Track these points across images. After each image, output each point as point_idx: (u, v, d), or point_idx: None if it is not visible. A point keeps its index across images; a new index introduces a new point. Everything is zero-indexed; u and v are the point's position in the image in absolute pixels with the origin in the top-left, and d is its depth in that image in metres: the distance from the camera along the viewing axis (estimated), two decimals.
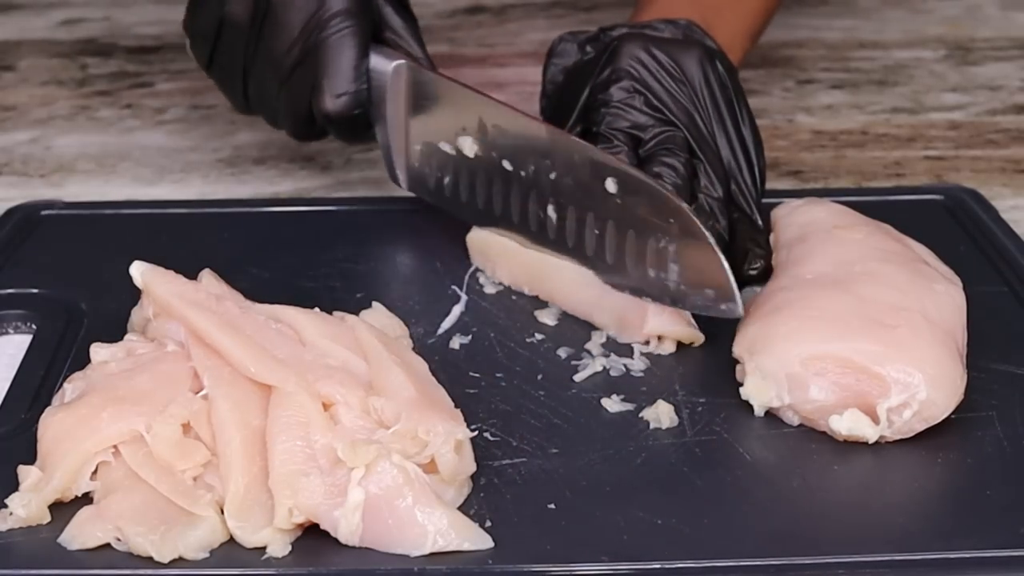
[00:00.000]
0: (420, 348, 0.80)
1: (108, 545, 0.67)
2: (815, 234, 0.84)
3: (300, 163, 1.08)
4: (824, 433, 0.75)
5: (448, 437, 0.69)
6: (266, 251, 0.93)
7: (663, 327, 0.82)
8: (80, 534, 0.68)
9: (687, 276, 0.79)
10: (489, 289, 0.88)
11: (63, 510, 0.69)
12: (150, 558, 0.66)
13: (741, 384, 0.77)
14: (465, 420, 0.72)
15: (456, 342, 0.83)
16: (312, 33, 0.88)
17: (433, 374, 0.77)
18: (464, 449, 0.70)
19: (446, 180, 0.89)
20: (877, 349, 0.74)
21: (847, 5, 1.37)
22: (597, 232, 0.82)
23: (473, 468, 0.71)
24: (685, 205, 0.79)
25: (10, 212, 0.98)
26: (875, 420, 0.73)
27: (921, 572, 0.66)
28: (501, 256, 0.88)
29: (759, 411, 0.76)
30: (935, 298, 0.78)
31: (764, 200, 0.89)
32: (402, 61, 0.89)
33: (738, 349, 0.77)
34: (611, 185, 0.81)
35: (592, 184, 0.82)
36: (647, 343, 0.82)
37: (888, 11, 1.36)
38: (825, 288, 0.78)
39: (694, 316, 0.82)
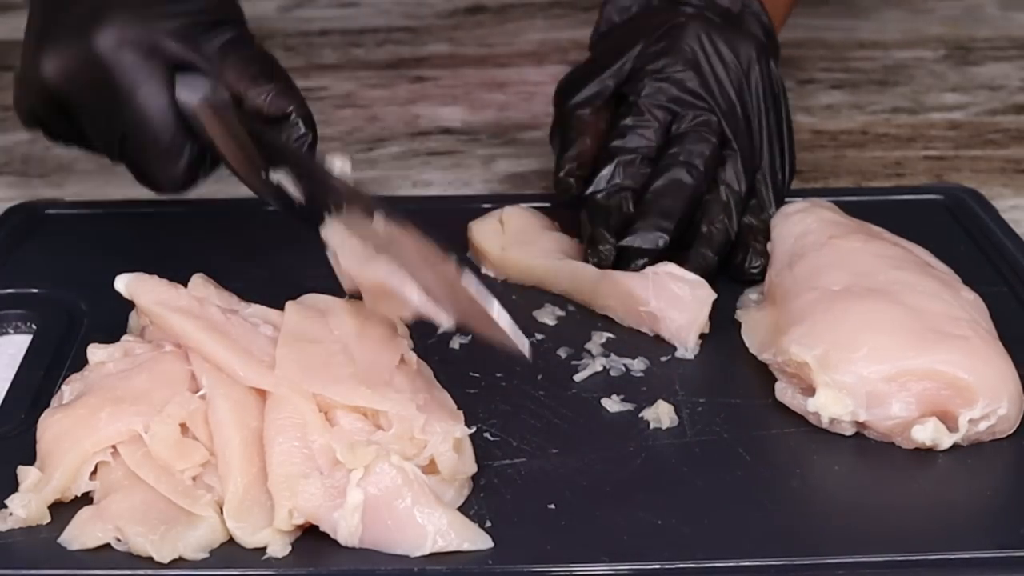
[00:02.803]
0: (420, 348, 0.80)
1: (108, 545, 0.67)
2: (812, 245, 0.84)
3: None
4: (823, 433, 0.75)
5: (446, 436, 0.69)
6: (266, 251, 0.93)
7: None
8: (80, 534, 0.68)
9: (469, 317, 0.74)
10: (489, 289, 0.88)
11: (63, 510, 0.69)
12: (150, 558, 0.66)
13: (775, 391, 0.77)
14: (465, 420, 0.72)
15: (456, 342, 0.83)
16: (115, 112, 0.79)
17: (433, 374, 0.77)
18: (464, 449, 0.70)
19: (296, 206, 0.80)
20: (963, 360, 0.74)
21: (847, 5, 1.37)
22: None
23: (474, 468, 0.71)
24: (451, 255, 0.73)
25: (10, 212, 0.98)
26: (951, 429, 0.73)
27: (921, 572, 0.66)
28: (499, 258, 0.89)
29: (825, 423, 0.75)
30: (973, 305, 0.78)
31: None
32: (202, 99, 0.79)
33: (806, 356, 0.76)
34: (379, 222, 0.75)
35: (366, 220, 0.75)
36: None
37: (888, 11, 1.36)
38: (866, 299, 0.77)
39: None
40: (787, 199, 0.92)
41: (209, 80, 0.79)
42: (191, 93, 0.79)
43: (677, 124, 0.87)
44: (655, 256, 0.85)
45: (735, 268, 0.87)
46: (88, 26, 0.78)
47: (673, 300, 0.82)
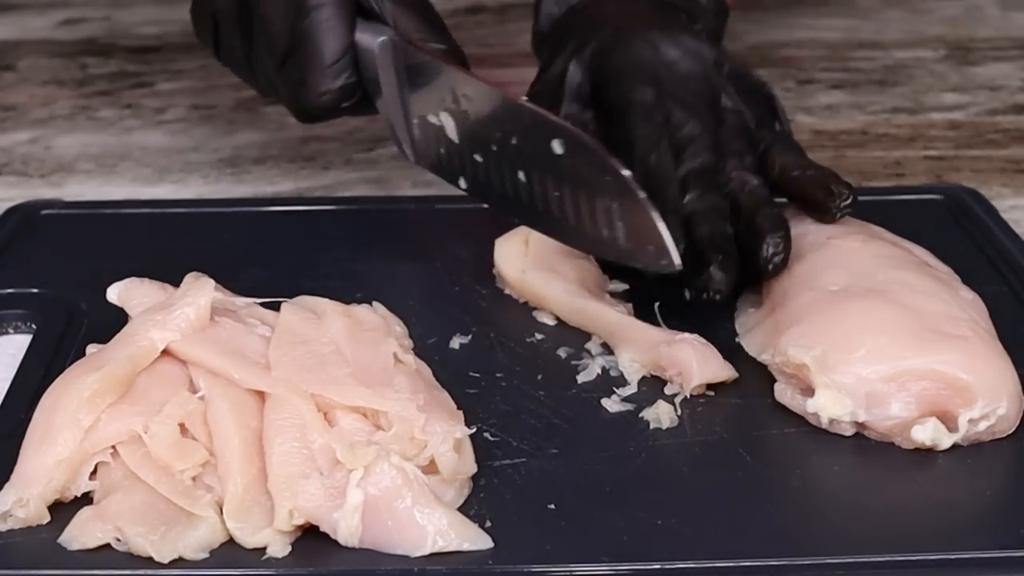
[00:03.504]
0: (420, 348, 0.80)
1: (108, 545, 0.67)
2: (810, 246, 0.84)
3: (300, 163, 1.08)
4: (823, 433, 0.75)
5: (446, 436, 0.69)
6: (266, 251, 0.93)
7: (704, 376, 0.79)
8: (80, 534, 0.68)
9: (631, 234, 0.79)
10: (489, 289, 0.88)
11: (63, 510, 0.69)
12: (150, 558, 0.66)
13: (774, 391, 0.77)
14: (465, 420, 0.72)
15: (456, 342, 0.83)
16: (296, 26, 0.87)
17: (433, 374, 0.77)
18: (464, 449, 0.70)
19: (441, 151, 0.89)
20: (962, 359, 0.74)
21: (847, 5, 1.37)
22: (557, 194, 0.82)
23: (474, 469, 0.71)
24: (617, 162, 0.78)
25: (10, 212, 0.98)
26: (951, 429, 0.73)
27: (921, 572, 0.66)
28: (518, 281, 0.88)
29: (824, 423, 0.75)
30: (972, 305, 0.78)
31: None
32: (385, 38, 0.88)
33: (804, 358, 0.75)
34: (557, 146, 0.81)
35: (542, 146, 0.82)
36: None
37: (888, 11, 1.36)
38: (864, 299, 0.77)
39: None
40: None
41: (387, 27, 0.88)
42: (370, 36, 0.88)
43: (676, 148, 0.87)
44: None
45: (759, 267, 0.85)
46: None
47: (692, 366, 0.79)
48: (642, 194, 0.78)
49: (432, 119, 0.88)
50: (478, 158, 0.86)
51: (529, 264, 0.87)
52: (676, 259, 0.78)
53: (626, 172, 0.78)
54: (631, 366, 0.80)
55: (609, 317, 0.83)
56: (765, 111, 0.91)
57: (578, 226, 0.82)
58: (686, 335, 0.80)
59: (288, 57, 0.88)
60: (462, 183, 0.88)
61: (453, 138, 0.87)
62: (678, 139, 0.86)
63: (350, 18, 0.88)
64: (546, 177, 0.82)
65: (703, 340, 0.80)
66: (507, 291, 0.88)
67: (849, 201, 0.85)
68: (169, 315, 0.74)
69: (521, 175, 0.84)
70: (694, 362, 0.78)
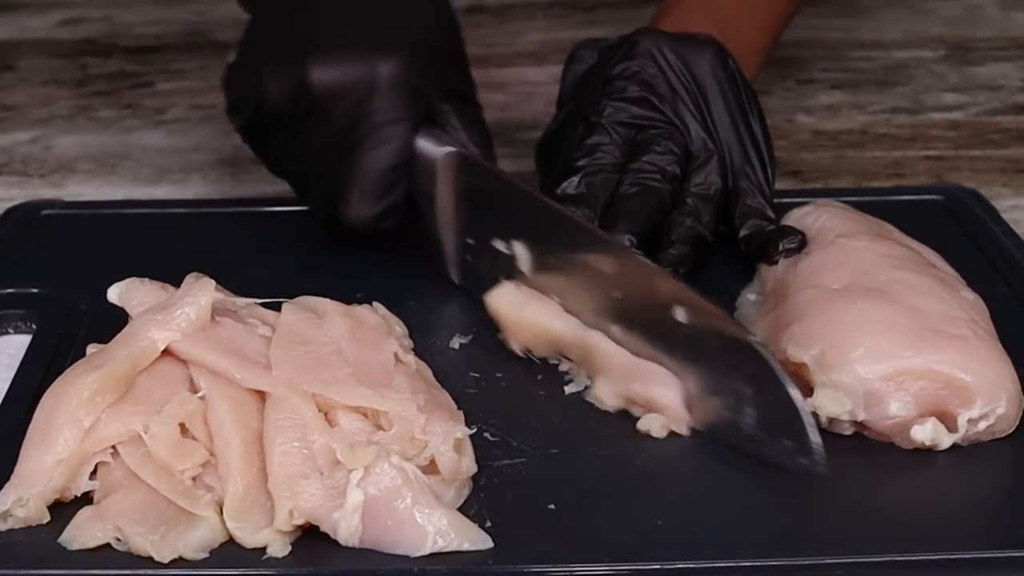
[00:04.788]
0: (420, 348, 0.80)
1: (108, 545, 0.67)
2: (819, 244, 0.84)
3: None
4: (823, 433, 0.74)
5: (447, 437, 0.69)
6: (266, 251, 0.93)
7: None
8: (80, 534, 0.68)
9: (764, 424, 0.72)
10: None
11: (63, 510, 0.69)
12: (150, 558, 0.66)
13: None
14: (465, 420, 0.72)
15: (456, 342, 0.83)
16: (352, 138, 0.82)
17: (433, 374, 0.77)
18: (464, 449, 0.70)
19: (501, 279, 0.82)
20: (960, 360, 0.74)
21: (847, 5, 1.37)
22: (667, 358, 0.75)
23: (474, 469, 0.71)
24: (761, 345, 0.71)
25: (10, 212, 0.98)
26: (950, 429, 0.73)
27: (921, 572, 0.66)
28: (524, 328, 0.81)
29: (823, 422, 0.74)
30: (973, 305, 0.78)
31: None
32: (451, 149, 0.82)
33: (803, 357, 0.75)
34: (680, 314, 0.74)
35: (659, 311, 0.74)
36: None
37: (888, 11, 1.36)
38: (864, 298, 0.77)
39: None
40: (786, 200, 0.92)
41: (451, 135, 0.83)
42: (432, 144, 0.82)
43: (640, 137, 0.87)
44: None
45: (771, 256, 0.85)
46: (374, 52, 0.82)
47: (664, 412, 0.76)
48: (791, 386, 0.70)
49: (498, 244, 0.82)
50: (554, 298, 0.80)
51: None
52: (820, 460, 0.69)
53: (768, 356, 0.70)
54: (607, 397, 0.77)
55: (614, 356, 0.77)
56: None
57: (689, 398, 0.75)
58: (655, 369, 0.75)
59: (331, 167, 0.83)
60: None
61: (524, 271, 0.81)
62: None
63: (413, 128, 0.83)
64: (656, 342, 0.75)
65: (670, 377, 0.75)
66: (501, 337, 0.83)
67: (795, 246, 0.84)
68: (170, 315, 0.74)
69: (616, 330, 0.77)
70: (665, 408, 0.75)
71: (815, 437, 0.69)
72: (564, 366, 0.80)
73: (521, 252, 0.81)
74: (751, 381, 0.71)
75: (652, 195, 0.85)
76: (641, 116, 0.88)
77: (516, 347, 0.81)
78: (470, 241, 0.84)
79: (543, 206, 0.80)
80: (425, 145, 0.83)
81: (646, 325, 0.75)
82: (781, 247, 0.84)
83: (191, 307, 0.74)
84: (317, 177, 0.84)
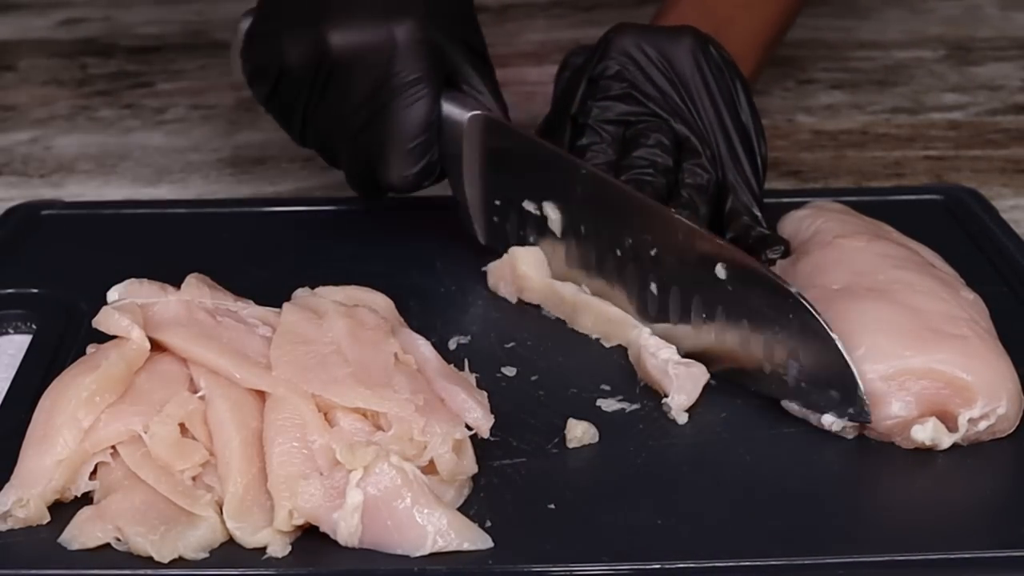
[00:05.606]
0: None
1: (108, 545, 0.67)
2: (817, 244, 0.84)
3: (300, 163, 1.08)
4: (822, 433, 0.75)
5: (446, 438, 0.69)
6: (266, 251, 0.93)
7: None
8: (80, 534, 0.68)
9: (810, 376, 0.74)
10: (489, 290, 0.88)
11: (63, 510, 0.69)
12: (150, 558, 0.66)
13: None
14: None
15: (455, 342, 0.83)
16: (379, 100, 0.83)
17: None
18: (464, 449, 0.70)
19: (531, 240, 0.85)
20: (960, 359, 0.74)
21: (847, 5, 1.37)
22: (704, 316, 0.77)
23: (474, 469, 0.71)
24: (805, 299, 0.73)
25: (10, 212, 0.98)
26: (951, 429, 0.73)
27: (921, 572, 0.66)
28: (529, 282, 0.85)
29: (834, 427, 0.74)
30: (973, 305, 0.78)
31: (766, 200, 0.89)
32: (477, 112, 0.84)
33: None
34: (721, 271, 0.75)
35: (699, 267, 0.76)
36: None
37: (888, 11, 1.36)
38: (864, 298, 0.77)
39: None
40: (786, 200, 0.92)
41: (473, 98, 0.84)
42: (458, 108, 0.83)
43: (629, 133, 0.87)
44: None
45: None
46: (391, 12, 0.82)
47: (669, 379, 0.77)
48: (835, 337, 0.72)
49: (528, 206, 0.84)
50: (590, 258, 0.82)
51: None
52: (867, 409, 0.72)
53: (813, 308, 0.72)
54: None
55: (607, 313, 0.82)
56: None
57: (729, 353, 0.77)
58: (669, 357, 0.77)
59: (363, 131, 0.84)
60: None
61: (556, 231, 0.83)
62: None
63: (438, 86, 0.84)
64: (693, 297, 0.77)
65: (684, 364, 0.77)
66: (501, 291, 0.87)
67: (778, 256, 0.85)
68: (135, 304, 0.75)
69: (653, 287, 0.79)
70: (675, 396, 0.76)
71: (862, 386, 0.72)
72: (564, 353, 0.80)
73: (552, 213, 0.83)
74: (796, 334, 0.73)
75: (646, 189, 0.85)
76: (627, 112, 0.88)
77: (508, 293, 0.85)
78: (497, 202, 0.86)
79: (574, 166, 0.82)
80: (450, 108, 0.84)
81: (685, 282, 0.77)
82: (764, 256, 0.85)
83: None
84: (348, 142, 0.85)
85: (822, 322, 0.73)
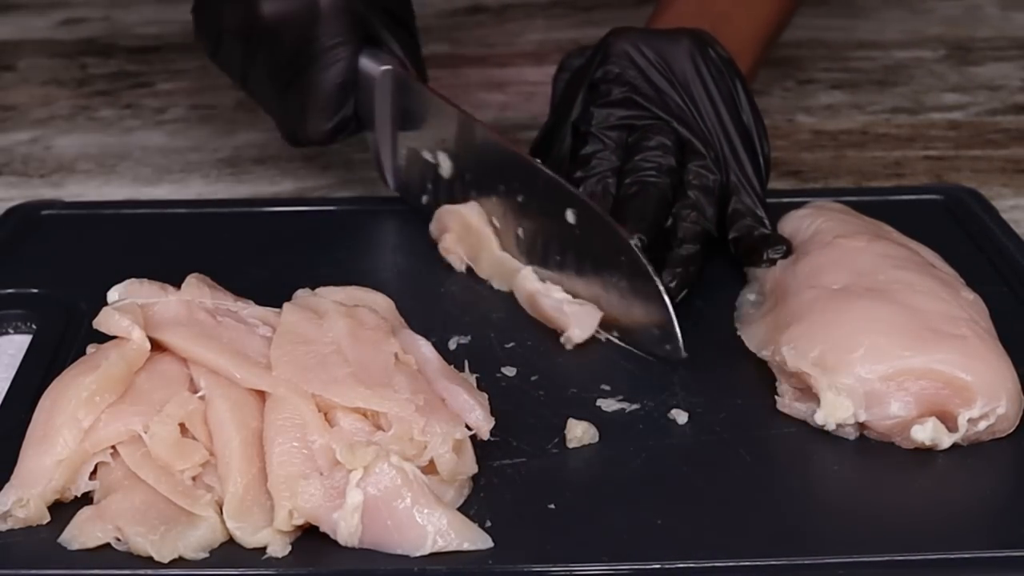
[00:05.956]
0: None
1: (108, 545, 0.67)
2: (817, 244, 0.84)
3: (300, 163, 1.08)
4: (822, 434, 0.75)
5: (446, 438, 0.69)
6: (266, 251, 0.93)
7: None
8: (80, 534, 0.68)
9: (636, 314, 0.80)
10: (488, 289, 0.88)
11: (63, 510, 0.69)
12: (150, 558, 0.66)
13: (777, 394, 0.77)
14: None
15: (455, 342, 0.83)
16: (300, 62, 0.90)
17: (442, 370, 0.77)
18: (464, 449, 0.70)
19: (428, 187, 0.92)
20: (960, 359, 0.74)
21: (847, 5, 1.37)
22: (558, 258, 0.84)
23: (474, 469, 0.71)
24: (633, 241, 0.80)
25: (10, 212, 0.98)
26: (950, 429, 0.73)
27: (921, 572, 0.66)
28: (474, 248, 0.90)
29: (831, 427, 0.75)
30: (973, 305, 0.78)
31: (766, 200, 0.89)
32: (388, 67, 0.90)
33: (803, 365, 0.75)
34: (570, 216, 0.82)
35: (553, 212, 0.83)
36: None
37: (888, 11, 1.36)
38: (864, 298, 0.77)
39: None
40: (786, 200, 0.92)
41: (390, 56, 0.91)
42: (373, 63, 0.90)
43: (632, 137, 0.87)
44: None
45: (756, 263, 0.87)
46: None
47: (566, 317, 0.83)
48: (656, 279, 0.79)
49: (426, 155, 0.90)
50: (472, 201, 0.88)
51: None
52: (682, 348, 0.79)
53: (638, 252, 0.79)
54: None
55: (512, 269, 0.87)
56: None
57: (580, 293, 0.83)
58: (562, 297, 0.84)
59: (286, 89, 0.90)
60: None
61: (445, 176, 0.90)
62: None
63: (355, 50, 0.90)
64: (551, 240, 0.84)
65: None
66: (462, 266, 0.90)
67: (779, 255, 0.86)
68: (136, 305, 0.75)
69: (520, 231, 0.86)
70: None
71: (676, 325, 0.79)
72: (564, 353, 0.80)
73: (444, 161, 0.89)
74: (626, 276, 0.80)
75: (653, 191, 0.85)
76: (629, 116, 0.88)
77: (456, 261, 0.90)
78: (403, 151, 0.93)
79: (461, 118, 0.88)
80: (367, 64, 0.91)
81: (543, 225, 0.84)
82: (765, 256, 0.85)
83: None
84: (275, 99, 0.92)
85: (643, 261, 0.79)
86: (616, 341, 0.82)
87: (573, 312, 0.83)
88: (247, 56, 0.91)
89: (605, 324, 0.82)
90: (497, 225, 0.87)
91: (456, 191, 0.89)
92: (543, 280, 0.85)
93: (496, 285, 0.88)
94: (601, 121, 0.88)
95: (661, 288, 0.79)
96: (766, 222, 0.87)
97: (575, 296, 0.83)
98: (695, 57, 0.89)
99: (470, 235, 0.89)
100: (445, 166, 0.90)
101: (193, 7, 0.94)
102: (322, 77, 0.90)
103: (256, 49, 0.91)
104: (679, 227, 0.85)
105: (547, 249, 0.85)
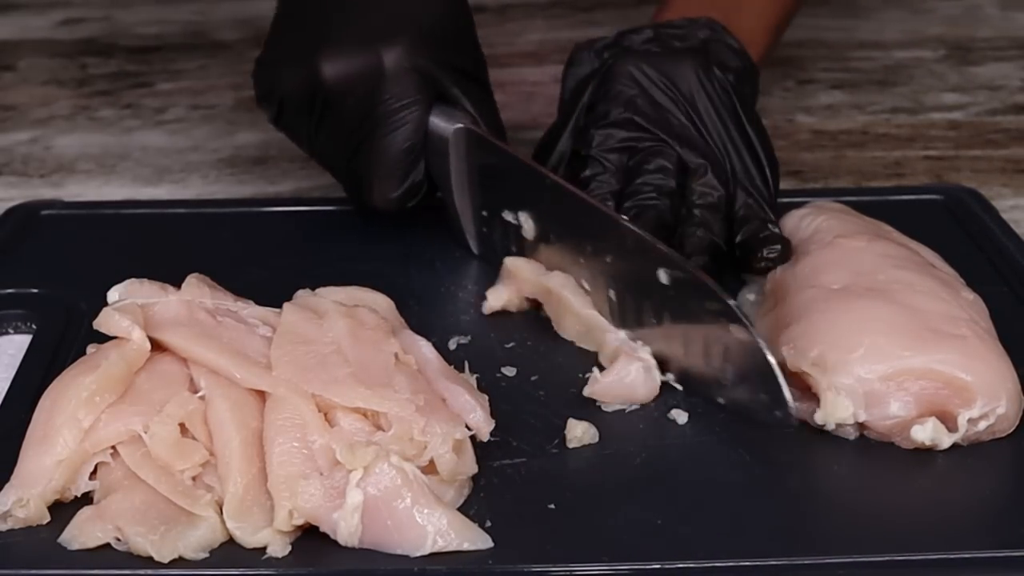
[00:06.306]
0: None
1: (108, 545, 0.67)
2: (817, 244, 0.84)
3: (300, 163, 1.08)
4: (822, 433, 0.75)
5: (446, 438, 0.69)
6: (266, 251, 0.93)
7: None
8: (80, 534, 0.68)
9: (741, 378, 0.75)
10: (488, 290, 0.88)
11: (63, 510, 0.69)
12: (150, 558, 0.66)
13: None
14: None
15: (455, 342, 0.83)
16: (367, 127, 0.87)
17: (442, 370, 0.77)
18: (464, 450, 0.70)
19: (512, 249, 0.87)
20: (960, 359, 0.74)
21: (847, 5, 1.37)
22: (655, 321, 0.79)
23: (474, 469, 0.71)
24: (733, 303, 0.74)
25: (10, 212, 0.98)
26: (950, 429, 0.73)
27: (921, 572, 0.66)
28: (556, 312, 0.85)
29: (831, 427, 0.74)
30: (973, 305, 0.78)
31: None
32: (460, 126, 0.87)
33: (803, 365, 0.75)
34: (663, 276, 0.77)
35: (645, 273, 0.78)
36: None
37: (888, 11, 1.36)
38: (864, 298, 0.77)
39: None
40: (786, 200, 0.92)
41: (463, 112, 0.87)
42: (444, 121, 0.87)
43: (632, 160, 0.87)
44: None
45: (748, 267, 0.86)
46: (379, 41, 0.87)
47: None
48: (762, 342, 0.72)
49: (508, 216, 0.86)
50: (562, 266, 0.84)
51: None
52: (793, 411, 0.73)
53: (740, 315, 0.73)
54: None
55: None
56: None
57: (678, 355, 0.78)
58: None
59: (354, 157, 0.88)
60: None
61: (528, 238, 0.85)
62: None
63: (424, 111, 0.87)
64: (643, 302, 0.79)
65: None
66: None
67: (775, 255, 0.85)
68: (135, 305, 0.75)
69: (612, 293, 0.81)
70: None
71: (787, 393, 0.72)
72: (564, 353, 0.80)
73: (525, 221, 0.85)
74: (728, 338, 0.74)
75: (652, 213, 0.85)
76: (629, 139, 0.88)
77: (497, 302, 0.85)
78: (484, 213, 0.89)
79: (543, 178, 0.84)
80: (437, 123, 0.87)
81: (634, 286, 0.79)
82: (761, 255, 0.85)
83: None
84: (342, 165, 0.89)
85: (747, 325, 0.73)
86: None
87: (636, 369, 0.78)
88: (311, 122, 0.89)
89: (704, 385, 0.77)
90: (587, 288, 0.82)
91: (541, 252, 0.85)
92: (634, 340, 0.80)
93: (582, 344, 0.83)
94: (601, 143, 0.88)
95: (766, 351, 0.72)
96: (772, 225, 0.87)
97: (674, 362, 0.78)
98: (699, 74, 0.89)
99: (551, 299, 0.84)
100: (527, 226, 0.85)
101: (254, 71, 0.92)
102: (388, 141, 0.86)
103: (320, 114, 0.88)
104: (686, 244, 0.85)
105: (639, 312, 0.79)
